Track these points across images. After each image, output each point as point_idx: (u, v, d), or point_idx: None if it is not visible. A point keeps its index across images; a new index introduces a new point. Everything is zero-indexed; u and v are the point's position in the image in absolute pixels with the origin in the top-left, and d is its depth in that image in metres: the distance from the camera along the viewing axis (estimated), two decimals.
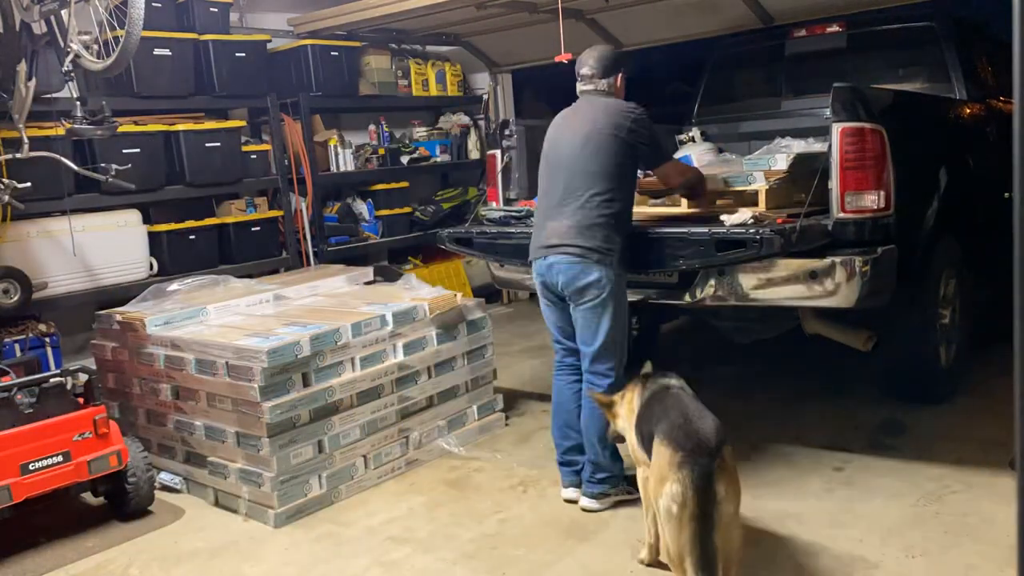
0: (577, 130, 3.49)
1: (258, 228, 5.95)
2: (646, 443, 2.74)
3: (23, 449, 3.32)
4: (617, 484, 3.53)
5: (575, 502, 3.57)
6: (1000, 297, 2.23)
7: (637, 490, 3.46)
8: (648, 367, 3.19)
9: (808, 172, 3.71)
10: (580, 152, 3.44)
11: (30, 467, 3.33)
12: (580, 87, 3.64)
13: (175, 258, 5.40)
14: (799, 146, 4.59)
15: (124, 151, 5.00)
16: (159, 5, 5.34)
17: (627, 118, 3.45)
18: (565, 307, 3.52)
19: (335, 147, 6.69)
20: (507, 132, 4.80)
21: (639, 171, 3.69)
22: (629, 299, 4.15)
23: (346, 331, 3.89)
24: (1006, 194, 1.89)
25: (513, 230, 4.29)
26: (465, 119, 7.81)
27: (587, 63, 3.60)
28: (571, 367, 3.62)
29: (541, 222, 3.56)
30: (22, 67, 4.09)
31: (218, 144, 5.59)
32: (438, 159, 7.51)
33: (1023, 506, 1.67)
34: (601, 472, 3.51)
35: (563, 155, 3.51)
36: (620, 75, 3.63)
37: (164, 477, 4.04)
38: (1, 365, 3.75)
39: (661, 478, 2.45)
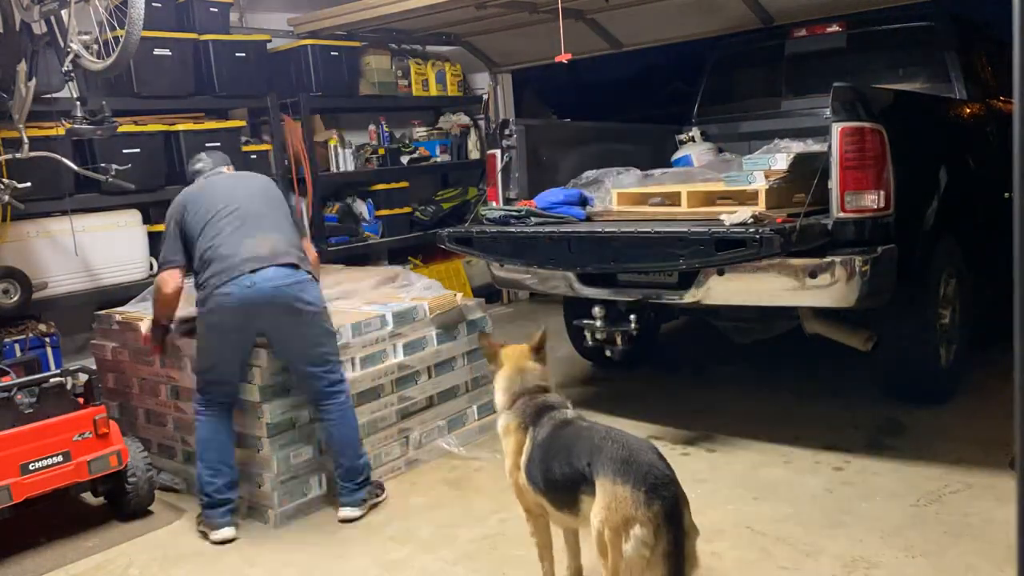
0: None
1: None
2: (557, 487, 2.50)
3: (23, 449, 3.32)
4: (370, 486, 3.66)
5: (232, 540, 3.48)
6: (1000, 297, 2.24)
7: (381, 491, 3.74)
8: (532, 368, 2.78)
9: (808, 172, 3.71)
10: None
11: (30, 467, 3.33)
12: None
13: None
14: (798, 148, 4.59)
15: (124, 151, 5.00)
16: (159, 5, 5.34)
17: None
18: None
19: (335, 147, 6.69)
20: (507, 132, 4.80)
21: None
22: (627, 299, 4.17)
23: (346, 331, 3.88)
24: (1006, 194, 1.89)
25: (513, 230, 4.30)
26: (465, 119, 7.81)
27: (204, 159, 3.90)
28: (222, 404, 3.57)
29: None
30: (22, 67, 4.09)
31: (218, 144, 5.56)
32: (438, 159, 7.51)
33: (1023, 506, 1.67)
34: (359, 476, 3.59)
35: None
36: None
37: (164, 477, 4.04)
38: (1, 365, 3.76)
39: (625, 520, 2.22)
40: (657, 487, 2.23)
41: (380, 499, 3.71)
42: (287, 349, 3.53)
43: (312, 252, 3.82)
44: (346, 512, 3.58)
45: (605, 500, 2.28)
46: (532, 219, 4.35)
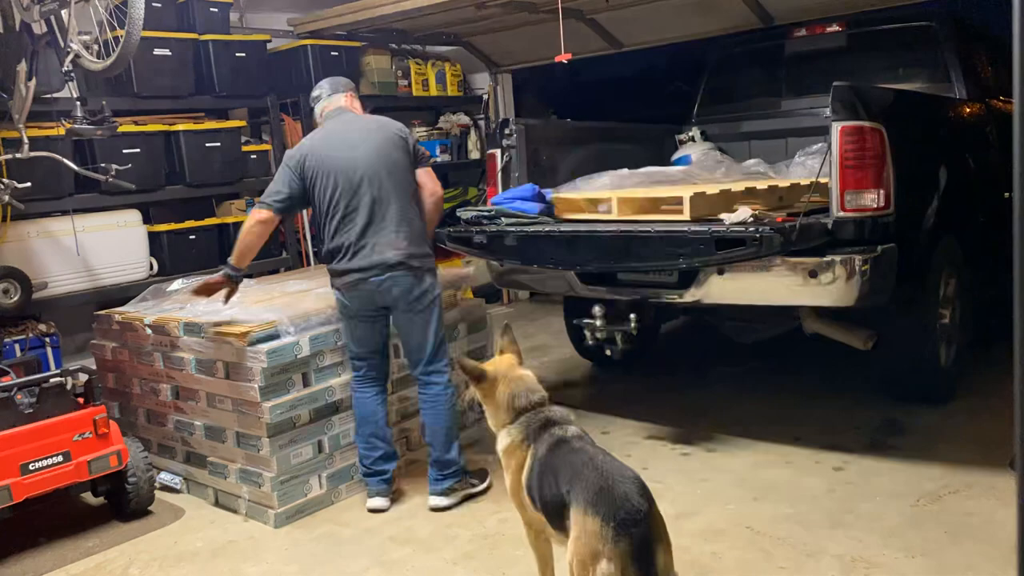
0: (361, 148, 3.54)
1: None
2: (549, 509, 2.43)
3: (23, 449, 3.32)
4: (461, 477, 3.65)
5: (383, 511, 3.63)
6: (1000, 297, 2.24)
7: (478, 481, 3.72)
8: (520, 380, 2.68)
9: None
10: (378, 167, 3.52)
11: (30, 467, 3.33)
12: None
13: (175, 258, 5.40)
14: (813, 163, 4.44)
15: (124, 151, 5.00)
16: (159, 5, 5.35)
17: (401, 130, 3.66)
18: (378, 321, 3.61)
19: None
20: (507, 132, 4.79)
21: None
22: (627, 298, 4.16)
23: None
24: (1006, 194, 1.89)
25: (513, 229, 4.29)
26: (465, 119, 7.81)
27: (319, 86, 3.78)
28: (373, 380, 3.68)
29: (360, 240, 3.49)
30: (22, 67, 4.10)
31: (218, 144, 5.60)
32: (438, 159, 7.51)
33: (1023, 506, 1.67)
34: (448, 468, 3.61)
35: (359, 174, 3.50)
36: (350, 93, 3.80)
37: (164, 477, 4.04)
38: (1, 365, 3.76)
39: (592, 554, 2.13)
40: (627, 523, 2.12)
41: (477, 488, 3.69)
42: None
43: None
44: (433, 501, 3.60)
45: (576, 531, 2.21)
46: (502, 219, 4.32)
